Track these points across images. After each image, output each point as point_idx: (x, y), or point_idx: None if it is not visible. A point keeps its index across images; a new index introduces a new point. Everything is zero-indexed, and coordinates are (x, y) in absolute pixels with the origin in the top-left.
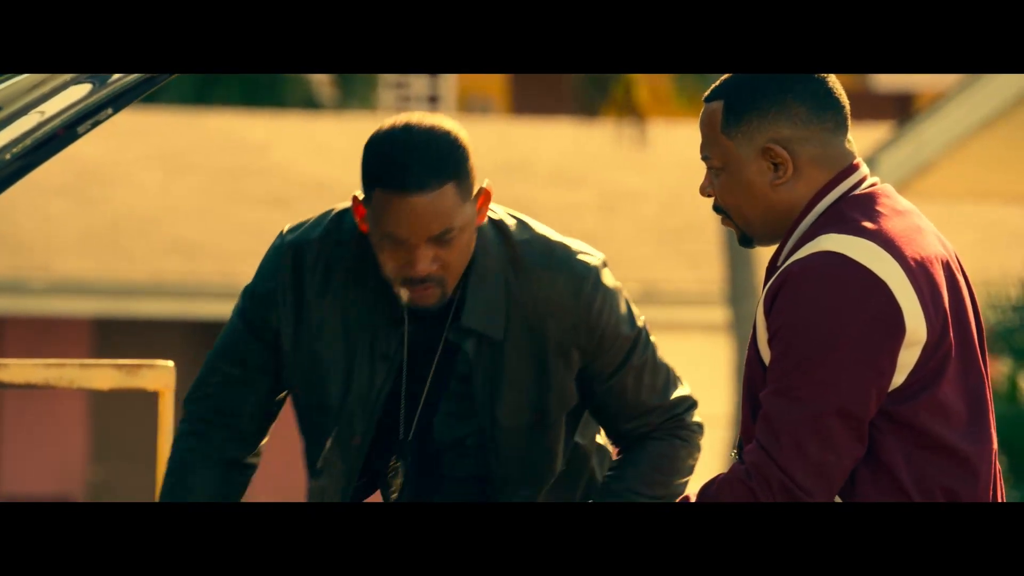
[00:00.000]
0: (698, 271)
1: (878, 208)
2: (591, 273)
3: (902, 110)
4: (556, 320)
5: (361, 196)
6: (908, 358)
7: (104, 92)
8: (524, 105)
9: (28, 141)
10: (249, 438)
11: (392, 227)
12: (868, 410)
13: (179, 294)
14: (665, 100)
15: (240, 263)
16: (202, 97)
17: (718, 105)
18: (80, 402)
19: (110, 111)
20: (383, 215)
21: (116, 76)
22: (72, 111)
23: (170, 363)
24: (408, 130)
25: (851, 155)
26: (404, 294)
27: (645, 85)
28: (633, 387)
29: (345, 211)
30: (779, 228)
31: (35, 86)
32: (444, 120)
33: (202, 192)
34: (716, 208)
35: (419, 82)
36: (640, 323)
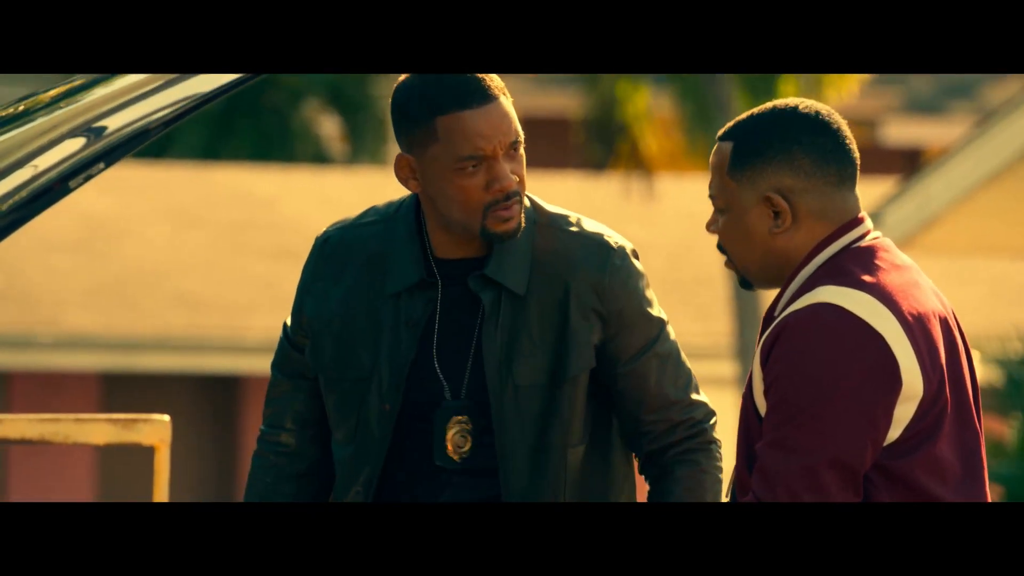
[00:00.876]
0: (706, 324)
1: (877, 262)
2: (619, 247)
3: (910, 164)
4: (580, 281)
5: (409, 149)
6: (904, 412)
7: (97, 146)
8: (532, 159)
9: (22, 194)
10: (299, 448)
11: (473, 144)
12: (863, 461)
13: (186, 348)
14: (673, 153)
15: (247, 317)
16: (212, 152)
17: (728, 146)
18: (87, 455)
19: (102, 165)
20: (459, 138)
21: (110, 129)
22: (65, 165)
23: (166, 417)
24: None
25: (855, 209)
26: (490, 224)
27: (653, 138)
28: (657, 375)
29: (375, 206)
30: (776, 275)
31: (30, 139)
32: None
33: (209, 246)
34: (719, 247)
35: None
36: (664, 316)
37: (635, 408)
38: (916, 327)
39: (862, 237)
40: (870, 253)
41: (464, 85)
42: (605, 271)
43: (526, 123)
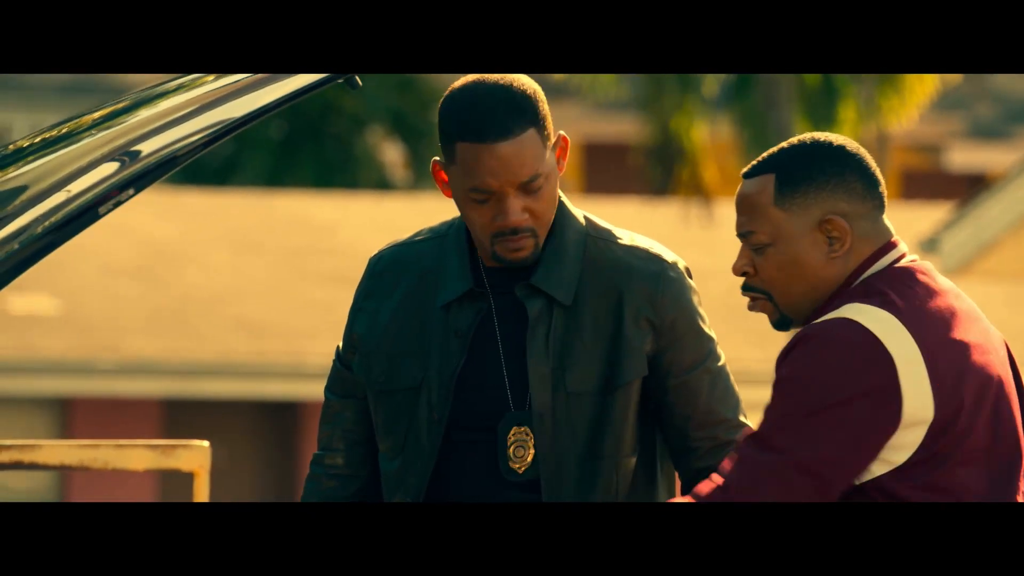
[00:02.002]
0: (763, 350)
1: (911, 283)
2: (673, 260)
3: (975, 190)
4: (634, 290)
5: (440, 160)
6: (910, 438)
7: (127, 172)
8: (596, 184)
9: (55, 219)
10: (350, 469)
11: (480, 179)
12: (841, 476)
13: (246, 374)
14: (732, 179)
15: (307, 342)
16: (276, 179)
17: (768, 178)
18: (149, 481)
19: (132, 191)
20: (470, 169)
21: (142, 155)
22: (96, 191)
23: (205, 443)
24: (482, 83)
25: (890, 232)
26: (499, 251)
27: (712, 164)
28: (708, 391)
29: (429, 226)
30: (819, 304)
31: (63, 165)
32: (513, 75)
33: (270, 272)
34: (748, 288)
35: None
36: (715, 335)
37: (683, 424)
38: (939, 351)
39: (898, 259)
40: (906, 275)
41: (484, 116)
42: (660, 281)
43: (587, 149)
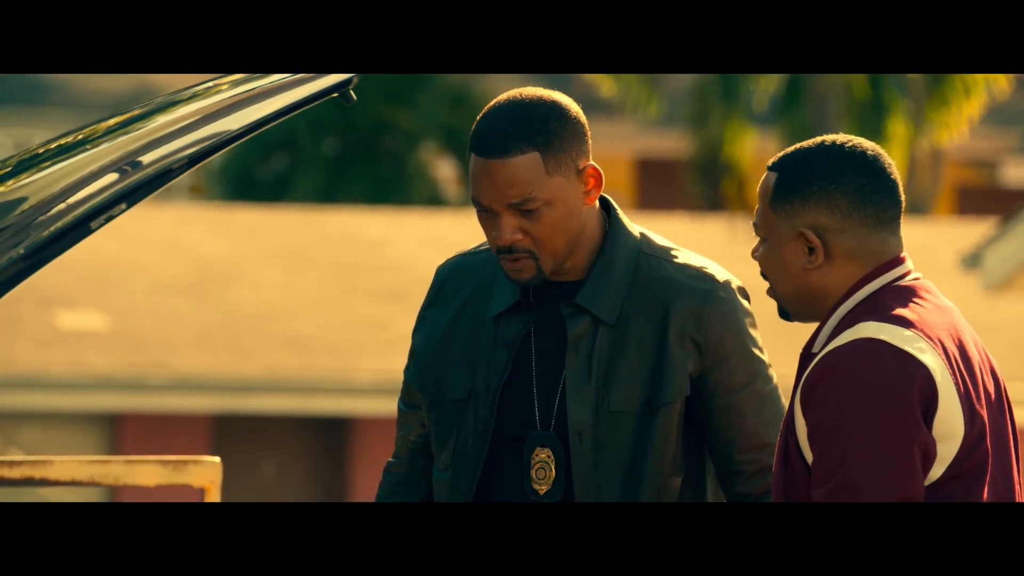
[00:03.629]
0: None
1: (918, 300)
2: (725, 280)
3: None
4: (681, 308)
5: None
6: (947, 451)
7: (120, 186)
8: (648, 199)
9: (51, 229)
10: (410, 478)
11: (475, 192)
12: (922, 485)
13: (296, 390)
14: None
15: (357, 358)
16: (329, 196)
17: (773, 177)
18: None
19: (124, 206)
20: (471, 180)
21: (137, 168)
22: (89, 204)
23: (216, 459)
24: (512, 98)
25: (895, 249)
26: (503, 268)
27: (759, 180)
28: (753, 414)
29: None
30: (811, 309)
31: (61, 177)
32: (556, 94)
33: (320, 288)
34: (762, 274)
35: None
36: (766, 358)
37: (727, 446)
38: (959, 367)
39: (902, 277)
40: (911, 292)
41: (487, 131)
42: (708, 300)
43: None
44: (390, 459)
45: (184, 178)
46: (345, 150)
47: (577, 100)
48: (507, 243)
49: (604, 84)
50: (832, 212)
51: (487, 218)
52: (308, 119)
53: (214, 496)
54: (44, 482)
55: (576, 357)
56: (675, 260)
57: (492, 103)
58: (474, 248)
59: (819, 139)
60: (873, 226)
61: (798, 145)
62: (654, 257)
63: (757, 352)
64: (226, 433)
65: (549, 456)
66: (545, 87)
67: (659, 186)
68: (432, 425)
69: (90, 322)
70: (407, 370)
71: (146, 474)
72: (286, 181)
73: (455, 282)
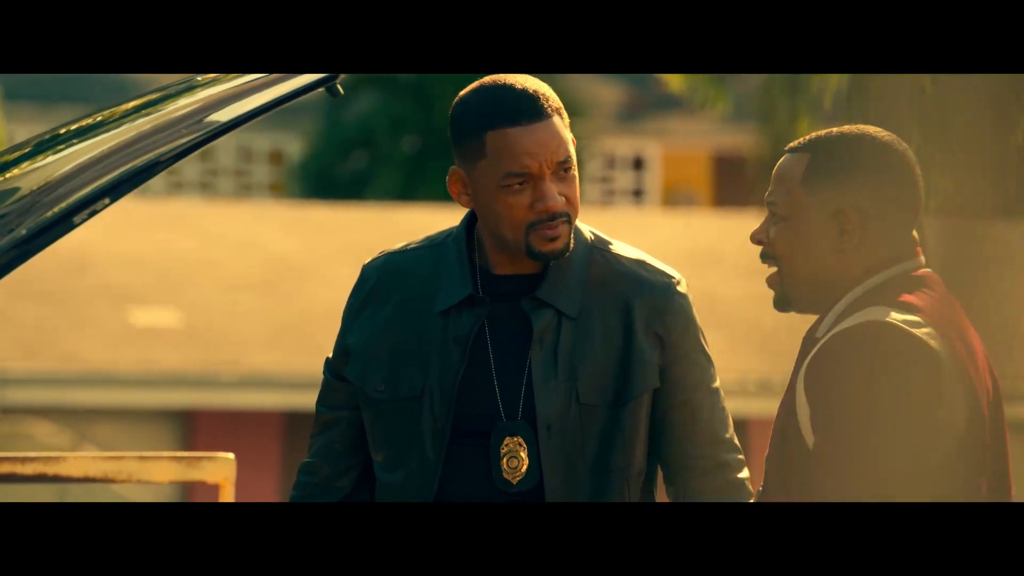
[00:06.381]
0: None
1: (927, 291)
2: (680, 279)
3: None
4: (643, 302)
5: (459, 165)
6: (949, 437)
7: (103, 181)
8: (726, 197)
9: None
10: (330, 481)
11: (518, 161)
12: (925, 466)
13: None
14: None
15: None
16: (407, 194)
17: (803, 156)
18: (274, 447)
19: (107, 200)
20: (505, 154)
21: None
22: (73, 198)
23: (230, 455)
24: (497, 80)
25: (913, 243)
26: (534, 241)
27: None
28: (708, 411)
29: (427, 235)
30: (821, 294)
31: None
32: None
33: None
34: (764, 256)
35: (624, 176)
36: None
37: (684, 442)
38: (964, 358)
39: (914, 269)
40: (920, 283)
41: (516, 102)
42: (668, 296)
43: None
44: (307, 459)
45: (264, 176)
46: (423, 148)
47: (651, 96)
48: (559, 207)
49: (673, 82)
50: (876, 196)
51: (520, 192)
52: (388, 118)
53: (228, 492)
54: (57, 478)
55: (541, 351)
56: (628, 255)
57: (479, 90)
58: (402, 247)
59: (851, 127)
60: (903, 216)
61: (829, 130)
62: (605, 252)
63: (708, 351)
64: (298, 430)
65: (520, 443)
66: (614, 83)
67: (725, 183)
68: (377, 425)
69: (163, 319)
70: (342, 372)
71: (160, 470)
72: (365, 179)
73: (389, 281)
